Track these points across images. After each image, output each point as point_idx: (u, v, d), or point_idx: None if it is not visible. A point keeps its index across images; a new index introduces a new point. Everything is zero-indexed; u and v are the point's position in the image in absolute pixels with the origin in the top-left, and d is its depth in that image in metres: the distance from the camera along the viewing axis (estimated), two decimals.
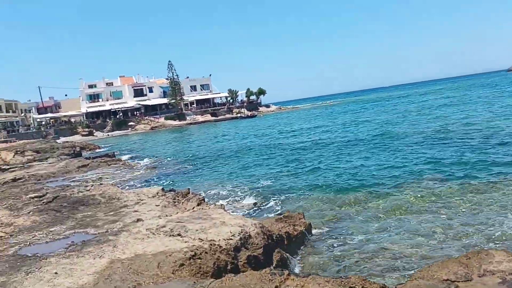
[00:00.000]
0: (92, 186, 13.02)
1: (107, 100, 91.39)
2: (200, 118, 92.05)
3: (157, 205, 9.92)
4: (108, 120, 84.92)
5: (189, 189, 12.22)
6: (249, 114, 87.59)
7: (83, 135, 77.44)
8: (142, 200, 11.30)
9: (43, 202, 11.55)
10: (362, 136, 27.87)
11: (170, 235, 7.41)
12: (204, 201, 10.23)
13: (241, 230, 7.27)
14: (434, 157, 16.39)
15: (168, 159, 29.98)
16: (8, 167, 29.50)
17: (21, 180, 23.94)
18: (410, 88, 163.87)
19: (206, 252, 6.37)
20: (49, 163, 30.75)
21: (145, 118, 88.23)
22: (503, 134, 19.87)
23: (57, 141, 53.78)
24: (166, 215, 9.19)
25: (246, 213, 11.32)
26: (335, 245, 8.60)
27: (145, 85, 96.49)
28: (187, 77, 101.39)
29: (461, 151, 17.02)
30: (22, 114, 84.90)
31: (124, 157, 32.93)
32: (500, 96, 48.26)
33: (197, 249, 6.45)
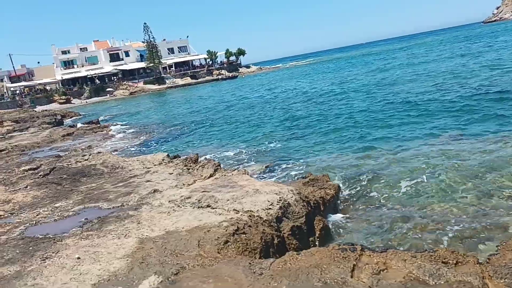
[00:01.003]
0: (90, 155, 12.02)
1: (82, 66, 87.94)
2: (180, 81, 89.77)
3: (170, 173, 9.06)
4: (85, 87, 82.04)
5: (197, 154, 11.35)
6: (230, 75, 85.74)
7: (60, 103, 74.72)
8: (149, 168, 10.41)
9: (40, 175, 10.55)
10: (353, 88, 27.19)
11: (198, 207, 6.61)
12: (220, 166, 9.40)
13: (279, 198, 6.52)
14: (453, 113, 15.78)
15: (158, 124, 28.82)
16: None
17: (4, 152, 22.65)
18: (388, 44, 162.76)
19: (249, 226, 5.62)
20: (31, 133, 29.29)
21: (124, 83, 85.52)
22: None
23: (35, 110, 51.57)
24: (184, 184, 8.36)
25: (262, 177, 10.57)
26: (371, 208, 7.96)
27: (121, 49, 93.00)
28: (164, 40, 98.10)
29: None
30: None
31: (109, 124, 31.57)
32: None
33: (238, 222, 5.69)
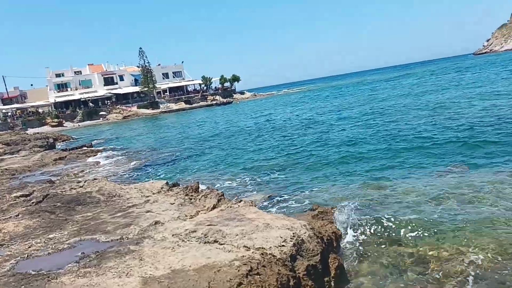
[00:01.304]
0: (85, 181, 11.52)
1: (76, 89, 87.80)
2: (174, 106, 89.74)
3: (171, 203, 8.60)
4: (78, 110, 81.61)
5: (198, 183, 10.91)
6: (224, 101, 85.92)
7: (52, 126, 74.06)
8: (147, 197, 9.94)
9: (32, 203, 10.02)
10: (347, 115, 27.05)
11: (205, 242, 6.16)
12: (224, 197, 8.97)
13: (293, 234, 6.09)
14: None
15: (152, 149, 28.36)
16: None
17: None
18: (382, 73, 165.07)
19: (263, 266, 5.17)
20: (22, 156, 28.63)
21: (117, 107, 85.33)
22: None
23: (27, 132, 50.88)
24: (187, 215, 7.91)
25: (265, 208, 10.13)
26: (383, 242, 7.54)
27: (115, 73, 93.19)
28: (159, 64, 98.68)
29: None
30: None
31: (101, 148, 31.03)
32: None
33: (250, 261, 5.25)
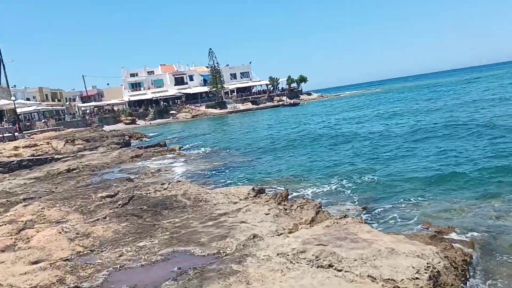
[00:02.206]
0: (169, 184, 11.13)
1: (149, 89, 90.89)
2: (241, 106, 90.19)
3: (266, 214, 7.85)
4: (150, 109, 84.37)
5: (287, 190, 10.11)
6: (292, 102, 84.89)
7: (126, 124, 77.07)
8: (235, 203, 9.29)
9: (119, 205, 9.71)
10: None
11: (318, 266, 5.30)
12: (321, 208, 8.07)
13: (427, 264, 5.06)
14: None
15: (225, 149, 28.09)
16: (61, 156, 28.46)
17: (76, 171, 22.72)
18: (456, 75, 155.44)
19: None
20: (101, 153, 29.55)
21: (186, 106, 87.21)
22: None
23: (104, 129, 53.14)
24: (284, 229, 7.11)
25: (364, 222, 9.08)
26: None
27: (185, 73, 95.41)
28: (227, 65, 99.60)
29: None
30: (67, 103, 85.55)
31: (176, 147, 31.29)
32: None
33: None
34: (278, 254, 5.77)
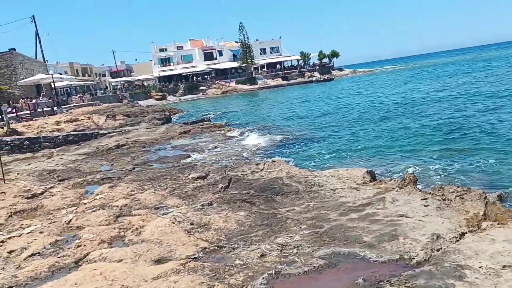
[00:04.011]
0: (265, 164, 9.79)
1: (178, 64, 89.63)
2: (271, 82, 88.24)
3: (425, 206, 6.41)
4: (180, 84, 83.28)
5: (413, 174, 8.61)
6: (325, 78, 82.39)
7: (156, 99, 76.20)
8: (356, 189, 7.87)
9: (221, 188, 8.42)
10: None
11: None
12: (489, 200, 6.58)
13: None
14: None
15: (271, 126, 26.74)
16: (106, 131, 27.57)
17: (125, 147, 21.74)
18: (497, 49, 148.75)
19: None
20: (147, 129, 28.51)
21: (216, 82, 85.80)
22: None
23: (141, 104, 52.29)
24: (461, 225, 5.66)
25: None
26: None
27: (215, 48, 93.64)
28: (257, 40, 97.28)
29: None
30: (97, 78, 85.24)
31: (220, 122, 29.98)
32: None
33: None
34: (504, 267, 4.35)
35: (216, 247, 5.97)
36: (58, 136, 26.73)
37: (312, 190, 8.13)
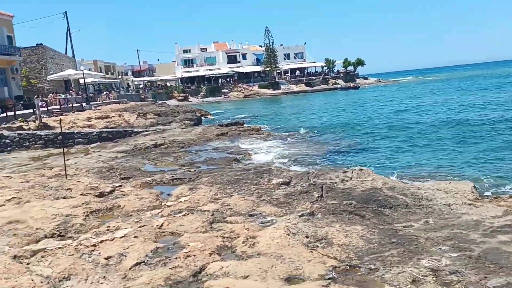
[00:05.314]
0: (352, 172, 8.93)
1: (201, 66, 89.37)
2: (294, 87, 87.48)
3: None
4: (202, 86, 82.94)
5: None
6: (351, 86, 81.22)
7: (178, 100, 75.85)
8: (474, 206, 6.98)
9: (317, 198, 7.57)
10: None
11: None
12: None
13: None
14: None
15: (311, 130, 25.95)
16: (140, 130, 26.99)
17: (163, 146, 21.05)
18: None
19: None
20: (182, 129, 27.87)
21: (239, 85, 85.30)
22: None
23: (168, 104, 51.88)
24: None
25: None
26: None
27: (238, 52, 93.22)
28: (281, 45, 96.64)
29: None
30: (119, 77, 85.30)
31: (259, 126, 29.19)
32: None
33: None
34: None
35: (347, 266, 5.12)
36: (92, 132, 26.26)
37: (422, 204, 7.25)
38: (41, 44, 45.29)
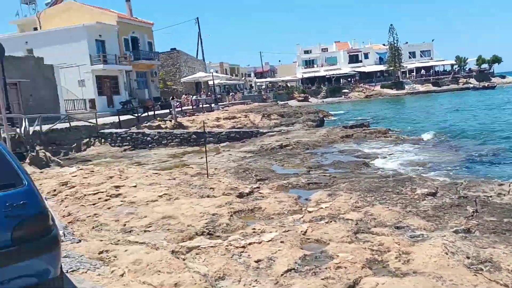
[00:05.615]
0: (510, 185, 7.99)
1: (322, 66, 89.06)
2: (420, 87, 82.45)
3: None
4: (322, 86, 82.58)
5: None
6: (486, 85, 73.90)
7: (298, 100, 76.47)
8: None
9: (472, 214, 6.90)
10: None
11: None
12: None
13: None
14: None
15: (432, 133, 24.12)
16: (266, 130, 27.77)
17: (289, 147, 21.22)
18: None
19: None
20: (306, 130, 27.99)
21: (360, 85, 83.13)
22: None
23: (291, 105, 52.71)
24: None
25: None
26: None
27: (360, 51, 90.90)
28: (406, 43, 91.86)
29: None
30: (243, 78, 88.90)
31: (386, 129, 27.97)
32: None
33: None
34: None
35: None
36: (221, 132, 27.78)
37: None
38: (175, 48, 49.28)
